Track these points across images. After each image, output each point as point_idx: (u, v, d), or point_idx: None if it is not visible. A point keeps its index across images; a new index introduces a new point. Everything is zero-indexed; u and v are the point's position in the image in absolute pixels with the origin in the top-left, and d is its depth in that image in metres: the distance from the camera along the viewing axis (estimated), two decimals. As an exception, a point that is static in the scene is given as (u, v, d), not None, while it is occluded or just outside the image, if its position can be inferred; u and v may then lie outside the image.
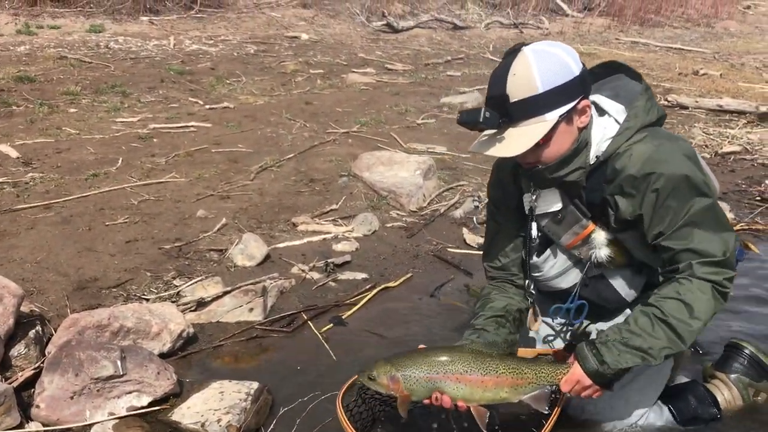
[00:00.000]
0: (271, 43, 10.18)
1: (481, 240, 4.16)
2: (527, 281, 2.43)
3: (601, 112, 2.17)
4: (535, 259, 2.37)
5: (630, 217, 2.08)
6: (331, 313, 3.37)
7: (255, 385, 2.64)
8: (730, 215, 4.54)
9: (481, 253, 2.60)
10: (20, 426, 2.38)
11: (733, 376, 2.57)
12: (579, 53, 2.10)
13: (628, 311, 2.37)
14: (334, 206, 4.52)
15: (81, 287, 3.35)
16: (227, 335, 3.13)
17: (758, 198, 5.11)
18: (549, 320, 2.52)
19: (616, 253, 2.24)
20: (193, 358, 2.96)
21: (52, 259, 3.57)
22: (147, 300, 3.27)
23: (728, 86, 8.82)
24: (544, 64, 1.96)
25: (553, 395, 2.18)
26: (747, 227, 4.58)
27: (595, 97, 2.15)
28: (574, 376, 2.08)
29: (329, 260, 3.80)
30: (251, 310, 3.29)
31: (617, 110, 2.15)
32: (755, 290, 3.72)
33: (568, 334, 2.45)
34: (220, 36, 10.24)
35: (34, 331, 2.77)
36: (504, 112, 1.99)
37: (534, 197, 2.27)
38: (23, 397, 2.53)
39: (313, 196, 4.66)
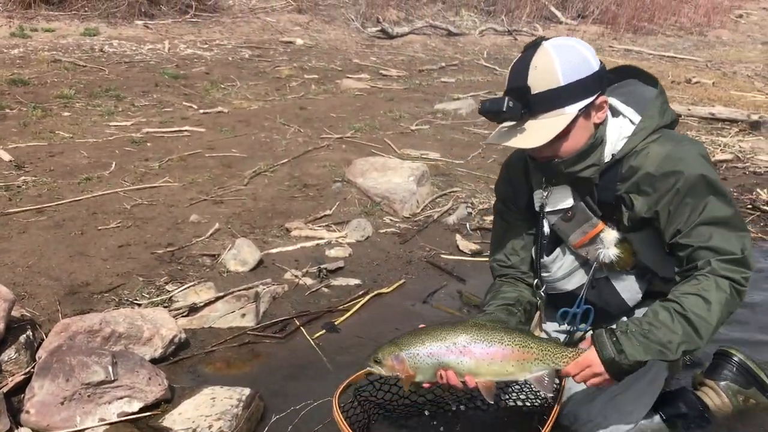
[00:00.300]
0: (265, 48, 10.18)
1: (474, 246, 4.19)
2: (536, 281, 2.43)
3: (616, 113, 2.20)
4: (544, 258, 2.38)
5: (646, 214, 2.10)
6: (324, 319, 3.36)
7: (247, 391, 2.64)
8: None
9: (489, 251, 2.60)
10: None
11: (722, 383, 2.59)
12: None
13: (624, 318, 2.38)
14: (327, 212, 4.52)
15: (73, 292, 3.34)
16: (219, 341, 3.12)
17: (750, 206, 5.13)
18: (555, 326, 2.51)
19: (624, 254, 2.24)
20: (185, 363, 2.95)
21: (43, 264, 3.56)
22: (139, 305, 3.27)
23: (720, 94, 8.87)
24: (565, 58, 1.98)
25: (555, 385, 2.15)
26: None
27: (609, 100, 2.17)
28: (586, 360, 2.02)
29: (322, 266, 3.80)
30: (244, 315, 3.28)
31: (630, 112, 2.19)
32: (746, 297, 3.73)
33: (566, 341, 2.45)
34: (214, 40, 10.24)
35: (24, 335, 2.76)
36: (525, 103, 1.99)
37: (545, 194, 2.28)
38: (13, 403, 2.51)
39: (307, 202, 4.66)
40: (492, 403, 2.10)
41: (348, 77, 8.77)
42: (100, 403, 2.50)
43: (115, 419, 2.50)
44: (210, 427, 2.44)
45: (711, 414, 2.53)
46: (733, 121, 7.42)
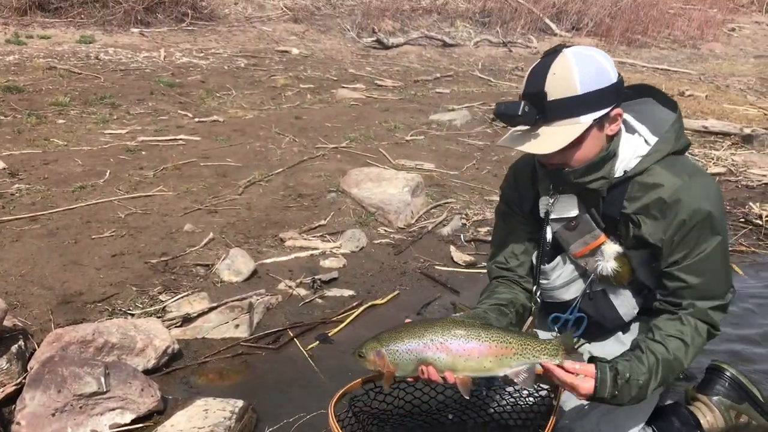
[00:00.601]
0: (261, 57, 10.20)
1: (469, 258, 4.20)
2: (534, 287, 2.43)
3: (630, 129, 2.20)
4: (544, 265, 2.38)
5: (651, 239, 2.10)
6: (318, 330, 3.36)
7: (240, 403, 2.63)
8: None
9: (489, 253, 2.59)
10: (1, 443, 2.36)
11: (715, 398, 2.59)
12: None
13: (620, 334, 2.39)
14: (322, 222, 4.52)
15: (66, 301, 3.33)
16: (212, 352, 3.11)
17: (742, 220, 5.16)
18: (548, 335, 2.51)
19: (622, 269, 2.25)
20: (178, 374, 2.94)
21: (36, 273, 3.55)
22: (132, 315, 3.26)
23: (713, 108, 8.92)
24: (584, 67, 1.98)
25: (549, 395, 2.15)
26: (732, 249, 4.62)
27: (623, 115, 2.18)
28: (575, 384, 2.01)
29: (316, 276, 3.80)
30: (237, 326, 3.28)
31: (644, 130, 2.19)
32: (738, 311, 3.75)
33: None
34: (210, 49, 10.25)
35: (16, 345, 2.75)
36: (540, 109, 1.99)
37: (552, 201, 2.28)
38: (4, 414, 2.51)
39: (301, 212, 4.66)
40: (468, 398, 2.11)
41: (343, 87, 8.79)
42: (92, 414, 2.49)
43: (107, 431, 2.48)
44: (202, 439, 2.43)
45: (703, 429, 2.53)
46: (725, 135, 7.47)
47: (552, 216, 2.30)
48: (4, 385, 2.61)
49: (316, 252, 4.12)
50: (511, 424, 2.46)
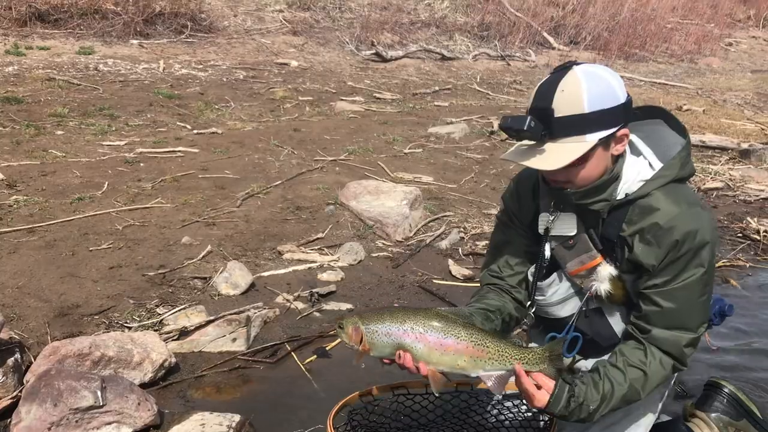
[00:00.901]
0: (260, 69, 10.24)
1: (467, 272, 4.19)
2: (529, 304, 2.42)
3: (636, 151, 2.20)
4: (541, 281, 2.38)
5: (644, 263, 2.10)
6: (315, 344, 3.35)
7: (237, 417, 2.62)
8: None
9: (482, 262, 2.58)
10: (-4, 457, 2.34)
11: (713, 415, 2.58)
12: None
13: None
14: (320, 235, 4.52)
15: (62, 314, 3.32)
16: (210, 365, 3.10)
17: (740, 234, 5.17)
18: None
19: (615, 291, 2.25)
20: (175, 388, 2.93)
21: (33, 285, 3.54)
22: (129, 328, 3.24)
23: (711, 122, 8.96)
24: (593, 85, 1.98)
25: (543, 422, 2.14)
26: (729, 264, 4.63)
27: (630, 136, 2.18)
28: (532, 394, 2.03)
29: (314, 290, 3.80)
30: (234, 340, 3.27)
31: (650, 153, 2.19)
32: (736, 325, 3.75)
33: None
34: (209, 61, 10.29)
35: (12, 358, 2.74)
36: (547, 125, 1.99)
37: (552, 218, 2.28)
38: (0, 428, 2.49)
39: (300, 224, 4.66)
40: (437, 395, 2.11)
41: (342, 100, 8.82)
42: (88, 428, 2.48)
43: (102, 445, 2.47)
44: (199, 454, 2.42)
45: (702, 446, 2.52)
46: (723, 149, 7.50)
47: (551, 233, 2.30)
48: (0, 399, 2.60)
49: (314, 265, 4.11)
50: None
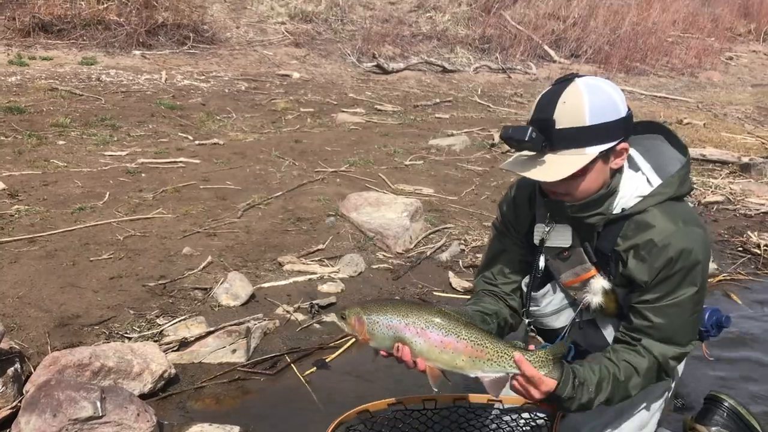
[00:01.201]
0: (262, 80, 10.28)
1: (467, 284, 4.20)
2: (525, 317, 2.43)
3: (634, 166, 2.20)
4: (535, 292, 2.38)
5: (637, 278, 2.10)
6: (315, 356, 3.35)
7: (236, 429, 2.62)
8: (712, 266, 4.59)
9: (478, 269, 2.59)
10: (-6, 468, 2.34)
11: (713, 429, 2.58)
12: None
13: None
14: (320, 246, 4.52)
15: (63, 324, 3.32)
16: (209, 377, 3.10)
17: (740, 248, 5.17)
18: None
19: (607, 304, 2.25)
20: (174, 399, 2.93)
21: (34, 295, 3.54)
22: (129, 339, 3.24)
23: (711, 136, 8.98)
24: (595, 98, 1.98)
25: (546, 423, 2.14)
26: (729, 278, 4.63)
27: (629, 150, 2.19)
28: (539, 380, 2.00)
29: (314, 301, 3.79)
30: (234, 351, 3.27)
31: (648, 169, 2.19)
32: (736, 338, 3.75)
33: None
34: (211, 72, 10.33)
35: (12, 368, 2.74)
36: (547, 136, 2.00)
37: (548, 229, 2.28)
38: (-1, 438, 2.49)
39: (300, 236, 4.66)
40: (436, 390, 2.11)
41: (343, 111, 8.85)
42: (86, 439, 2.47)
43: (101, 456, 2.47)
44: (198, 466, 2.42)
45: (702, 460, 2.52)
46: (723, 163, 7.52)
47: (546, 244, 2.31)
48: (0, 409, 2.59)
49: (314, 276, 4.11)
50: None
